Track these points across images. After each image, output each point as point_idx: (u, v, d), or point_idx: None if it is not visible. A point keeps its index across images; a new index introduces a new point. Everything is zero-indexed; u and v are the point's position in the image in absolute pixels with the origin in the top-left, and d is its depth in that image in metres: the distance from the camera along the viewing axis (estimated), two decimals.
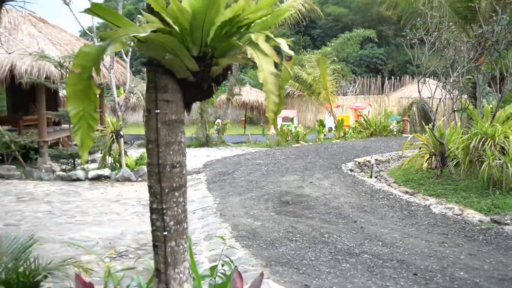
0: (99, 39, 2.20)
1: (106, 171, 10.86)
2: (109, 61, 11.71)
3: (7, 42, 11.66)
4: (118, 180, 10.75)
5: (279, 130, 18.63)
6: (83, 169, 11.03)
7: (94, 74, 2.32)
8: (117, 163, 11.35)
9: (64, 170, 11.26)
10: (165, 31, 2.29)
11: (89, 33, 12.02)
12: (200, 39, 2.41)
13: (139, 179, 10.86)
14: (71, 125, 2.33)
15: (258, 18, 2.45)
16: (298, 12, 19.60)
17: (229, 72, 2.61)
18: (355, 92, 34.13)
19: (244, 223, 6.78)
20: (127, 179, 10.73)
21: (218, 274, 3.41)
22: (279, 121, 28.36)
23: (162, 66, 2.51)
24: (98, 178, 10.77)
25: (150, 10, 2.46)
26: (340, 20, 47.49)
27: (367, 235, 6.24)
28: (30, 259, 3.25)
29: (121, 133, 11.28)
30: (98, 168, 11.22)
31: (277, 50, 2.39)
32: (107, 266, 3.41)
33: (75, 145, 12.92)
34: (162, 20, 2.36)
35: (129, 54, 12.26)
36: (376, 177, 11.46)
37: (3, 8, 10.61)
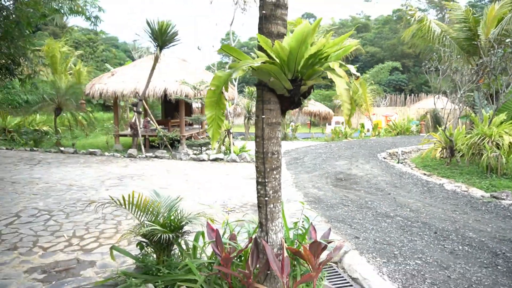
0: (228, 68, 2.16)
1: (220, 155, 11.05)
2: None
3: (163, 74, 12.14)
4: (228, 161, 10.91)
5: (333, 130, 18.14)
6: (207, 154, 11.30)
7: (223, 90, 2.30)
8: (227, 150, 11.51)
9: (195, 154, 11.61)
10: (270, 63, 2.22)
11: (212, 67, 12.27)
12: (293, 67, 2.31)
13: (241, 161, 10.95)
14: (206, 125, 2.35)
15: (333, 52, 2.31)
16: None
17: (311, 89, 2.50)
18: (386, 105, 32.58)
19: (311, 192, 6.62)
20: (234, 161, 10.86)
21: (299, 227, 3.28)
22: (333, 124, 27.66)
23: (267, 86, 2.45)
24: (215, 159, 10.99)
25: (259, 48, 2.39)
26: (375, 56, 45.65)
27: (398, 204, 5.87)
28: (177, 210, 3.31)
29: (230, 131, 11.44)
30: (215, 153, 11.44)
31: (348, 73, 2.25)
32: (226, 219, 3.40)
33: (208, 137, 13.37)
34: (268, 55, 2.29)
35: (237, 79, 12.36)
36: (401, 163, 10.82)
37: (162, 52, 11.23)
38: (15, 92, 21.23)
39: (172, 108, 16.43)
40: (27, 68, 11.13)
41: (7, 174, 8.58)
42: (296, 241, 3.11)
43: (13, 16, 10.01)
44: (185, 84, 11.75)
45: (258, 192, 2.59)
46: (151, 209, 3.14)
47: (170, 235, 2.86)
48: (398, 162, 10.86)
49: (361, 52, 22.95)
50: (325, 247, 2.73)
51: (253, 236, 2.75)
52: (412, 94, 34.88)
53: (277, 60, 2.27)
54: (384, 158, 11.25)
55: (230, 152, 11.27)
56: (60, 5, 11.21)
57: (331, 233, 4.32)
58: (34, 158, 11.00)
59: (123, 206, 3.09)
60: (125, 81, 13.18)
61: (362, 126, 19.34)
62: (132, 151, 11.39)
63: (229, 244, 2.75)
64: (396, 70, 41.04)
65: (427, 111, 25.97)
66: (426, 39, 12.91)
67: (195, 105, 21.99)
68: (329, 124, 28.13)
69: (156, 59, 10.81)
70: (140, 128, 11.95)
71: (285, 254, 2.50)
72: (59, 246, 4.43)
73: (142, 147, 11.60)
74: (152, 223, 2.99)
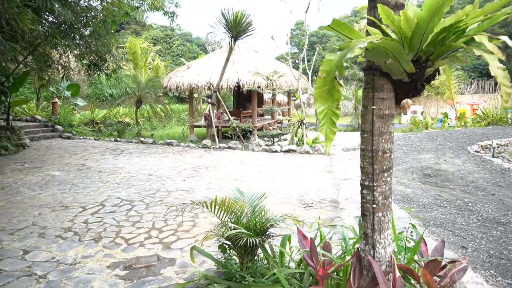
0: (337, 50, 1.64)
1: (293, 147, 10.65)
2: (298, 75, 11.45)
3: (236, 65, 12.01)
4: (301, 153, 10.47)
5: (410, 120, 16.66)
6: (279, 145, 10.98)
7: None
8: (300, 142, 11.06)
9: (267, 145, 11.35)
10: (387, 40, 1.73)
11: (285, 56, 11.84)
12: (417, 45, 1.79)
13: (315, 153, 10.44)
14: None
15: (474, 23, 1.74)
16: None
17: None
18: (471, 92, 29.37)
19: (397, 189, 5.93)
20: (307, 152, 10.39)
21: (407, 237, 2.74)
22: (409, 114, 25.64)
23: (379, 69, 1.95)
24: (288, 151, 10.61)
25: (370, 24, 1.91)
26: None
27: (508, 207, 4.95)
28: (262, 211, 2.97)
29: (304, 121, 10.96)
30: (288, 145, 11.06)
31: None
32: (317, 222, 2.98)
33: (280, 128, 13.03)
34: (382, 32, 1.80)
35: (311, 68, 11.79)
36: (497, 157, 9.45)
37: (236, 44, 11.09)
38: (102, 86, 22.94)
39: (243, 99, 16.39)
40: (112, 64, 11.72)
41: (95, 163, 9.09)
42: (402, 254, 2.59)
43: (100, 15, 10.54)
44: (258, 74, 11.50)
45: (363, 198, 2.13)
46: (235, 210, 2.84)
47: (257, 240, 2.53)
48: (493, 156, 9.50)
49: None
50: (443, 267, 2.19)
51: (357, 246, 2.30)
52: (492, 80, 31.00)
53: (395, 37, 1.78)
54: (477, 151, 9.93)
55: (303, 143, 10.81)
56: (141, 2, 11.60)
57: (429, 240, 3.70)
58: (118, 148, 11.61)
59: (208, 209, 2.82)
60: (200, 73, 13.33)
61: (446, 115, 17.50)
62: (206, 141, 11.48)
63: (324, 255, 2.34)
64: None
65: None
66: None
67: (267, 96, 21.86)
68: (405, 114, 26.14)
69: (231, 51, 10.69)
70: (214, 119, 12.00)
71: (397, 273, 2.02)
72: (139, 238, 4.40)
73: (216, 138, 11.64)
74: (236, 225, 2.69)
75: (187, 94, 25.81)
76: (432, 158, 8.68)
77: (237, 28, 9.94)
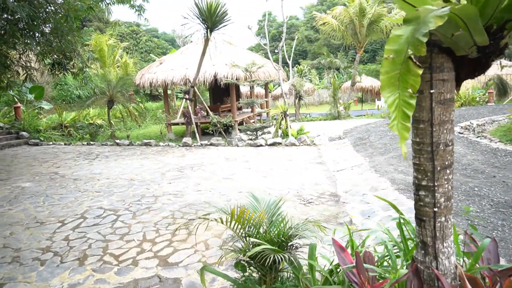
0: (402, 23, 1.23)
1: (278, 139, 10.32)
2: (278, 65, 11.07)
3: (212, 57, 11.48)
4: (287, 145, 10.15)
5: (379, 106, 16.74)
6: (263, 139, 10.61)
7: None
8: (285, 134, 10.74)
9: (251, 139, 10.96)
10: (467, 5, 1.37)
11: (263, 46, 11.40)
12: (493, 10, 1.44)
13: (301, 144, 10.15)
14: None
15: None
16: None
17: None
18: None
19: (398, 178, 5.70)
20: (293, 144, 10.08)
21: (465, 241, 2.42)
22: (383, 99, 25.94)
23: (437, 45, 1.59)
24: (273, 144, 10.27)
25: None
26: None
27: None
28: (282, 217, 2.59)
29: (287, 112, 10.63)
30: (272, 138, 10.72)
31: None
32: (352, 229, 2.62)
33: (261, 120, 12.62)
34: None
35: (291, 57, 11.43)
36: (479, 137, 9.51)
37: (212, 35, 10.54)
38: (68, 88, 21.72)
39: (220, 93, 15.87)
40: (77, 63, 10.93)
41: (68, 170, 8.40)
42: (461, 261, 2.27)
43: (62, 10, 9.73)
44: (236, 67, 11.03)
45: (419, 200, 1.78)
46: (253, 222, 2.44)
47: (286, 256, 2.15)
48: (477, 137, 9.55)
49: None
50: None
51: (414, 254, 1.96)
52: None
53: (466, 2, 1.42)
54: (460, 133, 9.93)
55: (288, 135, 10.49)
56: None
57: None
58: (92, 152, 10.88)
59: (224, 224, 2.41)
60: (174, 68, 12.71)
61: None
62: (187, 139, 10.95)
63: (368, 270, 1.98)
64: None
65: (490, 78, 23.53)
66: None
67: (244, 88, 21.36)
68: (378, 99, 26.43)
69: (207, 42, 10.14)
70: (193, 116, 11.45)
71: (469, 287, 1.70)
72: (131, 253, 3.94)
73: (197, 135, 11.13)
74: (256, 239, 2.29)
75: (159, 91, 24.94)
76: None
77: (212, 18, 9.41)
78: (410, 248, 2.18)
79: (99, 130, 13.89)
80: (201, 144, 10.84)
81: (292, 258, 2.27)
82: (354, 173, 6.42)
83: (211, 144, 10.85)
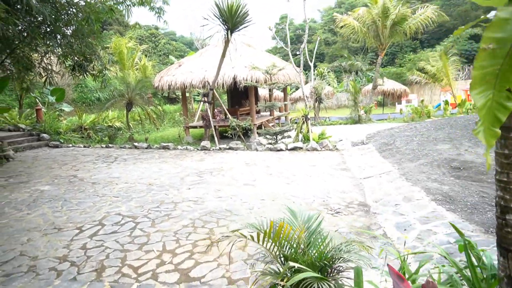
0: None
1: (299, 144, 9.99)
2: (299, 68, 10.76)
3: (232, 60, 11.26)
4: (308, 150, 9.81)
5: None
6: (283, 143, 10.30)
7: None
8: (306, 138, 10.40)
9: (270, 144, 10.67)
10: None
11: (285, 47, 11.10)
12: None
13: (323, 149, 9.80)
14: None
15: None
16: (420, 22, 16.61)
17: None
18: (463, 78, 29.14)
19: (433, 187, 5.30)
20: (315, 149, 9.74)
21: None
22: (403, 103, 25.23)
23: None
24: (294, 148, 9.95)
25: None
26: (443, 26, 41.07)
27: None
28: (323, 236, 2.29)
29: (308, 116, 10.30)
30: (293, 142, 10.40)
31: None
32: (406, 252, 2.29)
33: (280, 123, 12.30)
34: None
35: (313, 59, 11.10)
36: None
37: (232, 36, 10.31)
38: (88, 90, 21.92)
39: (238, 96, 15.65)
40: (98, 65, 10.89)
41: (87, 173, 8.28)
42: None
43: (83, 12, 9.71)
44: (256, 69, 10.78)
45: (506, 226, 1.46)
46: (291, 241, 2.15)
47: (331, 286, 1.84)
48: None
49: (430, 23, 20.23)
50: None
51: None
52: None
53: None
54: None
55: (309, 140, 10.15)
56: None
57: None
58: (111, 155, 10.79)
59: (258, 242, 2.12)
60: (193, 71, 12.56)
61: (446, 103, 17.03)
62: (206, 143, 10.74)
63: None
64: (472, 39, 36.68)
65: None
66: None
67: (262, 91, 21.07)
68: (399, 103, 25.74)
69: (227, 44, 9.92)
70: (212, 119, 11.24)
71: None
72: (150, 265, 3.70)
73: (216, 138, 10.90)
74: (294, 261, 1.99)
75: (177, 93, 24.94)
76: (451, 148, 8.11)
77: (233, 19, 9.18)
78: (479, 278, 1.84)
79: (118, 132, 13.86)
80: (220, 148, 10.61)
81: (337, 287, 1.97)
82: (383, 181, 6.05)
83: (230, 148, 10.60)
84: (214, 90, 10.99)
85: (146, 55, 25.15)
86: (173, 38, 49.53)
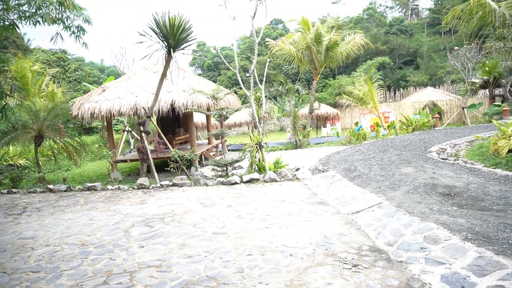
0: None
1: (255, 175, 8.84)
2: (250, 91, 9.70)
3: (170, 84, 9.78)
4: (266, 181, 8.71)
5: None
6: (237, 175, 9.04)
7: None
8: (262, 168, 9.30)
9: (220, 176, 9.32)
10: None
11: (237, 69, 9.97)
12: None
13: (282, 179, 8.79)
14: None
15: None
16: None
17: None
18: (378, 101, 31.41)
19: (448, 221, 4.53)
20: (274, 180, 8.68)
21: None
22: (328, 126, 25.93)
23: None
24: (250, 181, 8.76)
25: None
26: (349, 55, 44.70)
27: None
28: None
29: (262, 144, 9.25)
30: (246, 173, 9.21)
31: None
32: None
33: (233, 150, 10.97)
34: None
35: (264, 82, 10.19)
36: (463, 162, 9.07)
37: (174, 56, 8.89)
38: None
39: (171, 124, 14.04)
40: None
41: None
42: None
43: None
44: (201, 93, 9.47)
45: None
46: None
47: None
48: (455, 161, 9.11)
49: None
50: None
51: None
52: (401, 89, 33.87)
53: None
54: (444, 159, 9.41)
55: (265, 170, 9.06)
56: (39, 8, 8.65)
57: None
58: (17, 203, 8.35)
59: None
60: (121, 96, 10.72)
61: (377, 125, 17.57)
62: (143, 180, 8.95)
63: None
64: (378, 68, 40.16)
65: (425, 104, 24.81)
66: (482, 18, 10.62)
67: (198, 118, 19.44)
68: (324, 126, 26.39)
69: (168, 64, 8.46)
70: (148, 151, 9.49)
71: None
72: None
73: (156, 174, 9.16)
74: None
75: (95, 123, 22.04)
76: (417, 171, 7.73)
77: (175, 36, 7.83)
78: None
79: (23, 172, 11.12)
80: (162, 185, 8.92)
81: None
82: (381, 217, 5.17)
83: (174, 185, 8.97)
84: (151, 117, 9.33)
85: (54, 81, 21.91)
86: (82, 64, 45.41)
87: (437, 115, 19.07)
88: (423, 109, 23.32)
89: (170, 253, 4.63)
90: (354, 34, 16.32)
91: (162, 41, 8.09)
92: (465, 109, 20.74)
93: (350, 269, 3.85)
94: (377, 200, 5.86)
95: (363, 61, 35.75)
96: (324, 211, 6.09)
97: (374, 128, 18.70)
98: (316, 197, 7.11)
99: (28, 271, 4.35)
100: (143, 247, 4.95)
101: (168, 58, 8.29)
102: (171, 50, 8.03)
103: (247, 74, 9.76)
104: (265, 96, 11.52)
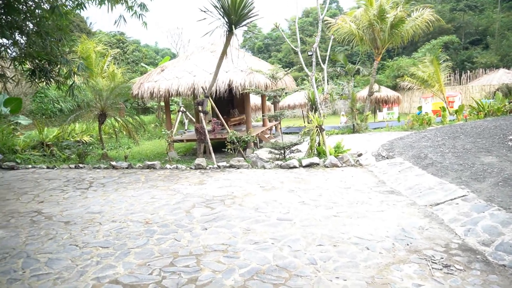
0: None
1: (315, 159, 8.44)
2: (312, 72, 9.20)
3: (227, 63, 9.56)
4: (327, 166, 8.27)
5: (383, 118, 15.11)
6: (294, 159, 8.70)
7: None
8: (322, 153, 8.85)
9: (278, 159, 9.03)
10: None
11: (294, 48, 9.49)
12: None
13: (343, 165, 8.31)
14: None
15: None
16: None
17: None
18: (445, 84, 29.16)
19: None
20: (335, 165, 8.22)
21: None
22: (385, 111, 24.54)
23: None
24: (310, 165, 8.38)
25: None
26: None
27: None
28: None
29: (323, 127, 8.77)
30: (305, 157, 8.83)
31: None
32: None
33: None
34: None
35: (326, 63, 9.63)
36: None
37: (234, 32, 8.62)
38: (49, 100, 19.26)
39: (224, 105, 13.91)
40: (63, 70, 8.84)
41: (56, 207, 6.23)
42: None
43: (48, 1, 7.75)
44: (260, 73, 9.14)
45: None
46: None
47: None
48: None
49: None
50: None
51: None
52: (468, 71, 31.01)
53: None
54: None
55: (325, 154, 8.61)
56: None
57: None
58: (83, 178, 8.69)
59: None
60: (179, 76, 10.72)
61: (444, 109, 16.17)
62: (201, 161, 8.91)
63: None
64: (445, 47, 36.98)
65: (498, 87, 22.54)
66: None
67: (251, 100, 19.23)
68: (380, 111, 25.02)
69: (228, 41, 8.21)
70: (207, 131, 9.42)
71: None
72: None
73: (213, 155, 9.08)
74: None
75: (152, 103, 22.73)
76: (502, 162, 6.85)
77: (237, 11, 7.52)
78: None
79: (88, 149, 11.64)
80: (219, 166, 8.82)
81: None
82: (470, 211, 4.56)
83: (231, 166, 8.84)
84: (210, 97, 9.20)
85: (114, 62, 22.80)
86: (139, 46, 46.99)
87: None
88: (495, 93, 21.24)
89: (235, 238, 4.43)
90: (422, 9, 14.94)
91: (223, 17, 7.80)
92: None
93: (441, 269, 3.38)
94: (460, 192, 5.21)
95: (424, 42, 33.18)
96: (397, 201, 5.56)
97: (439, 113, 17.32)
98: (384, 185, 6.57)
99: (97, 246, 4.38)
100: (206, 229, 4.80)
101: (229, 35, 8.01)
102: (233, 26, 7.73)
103: (309, 53, 9.23)
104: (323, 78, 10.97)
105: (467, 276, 3.24)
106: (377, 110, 25.50)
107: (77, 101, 11.20)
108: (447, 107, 17.11)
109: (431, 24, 14.67)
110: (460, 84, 28.74)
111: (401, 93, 25.77)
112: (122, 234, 4.78)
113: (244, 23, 7.89)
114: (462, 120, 15.31)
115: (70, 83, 8.86)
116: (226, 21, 7.83)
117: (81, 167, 10.01)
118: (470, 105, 16.92)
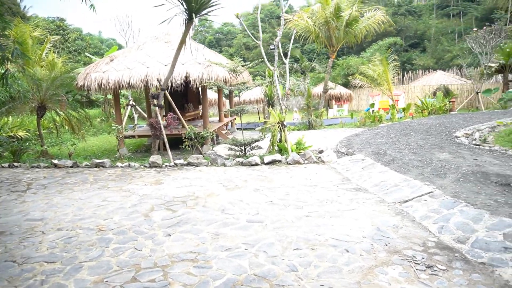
0: None
1: (277, 156, 8.21)
2: (274, 66, 8.92)
3: (186, 56, 8.97)
4: (289, 163, 8.09)
5: (334, 115, 15.52)
6: (256, 155, 8.40)
7: None
8: (283, 150, 8.65)
9: (238, 156, 8.68)
10: None
11: (256, 40, 9.12)
12: None
13: (306, 161, 8.17)
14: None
15: None
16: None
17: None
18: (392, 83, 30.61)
19: None
20: (297, 162, 8.06)
21: None
22: (335, 107, 25.21)
23: None
24: (272, 162, 8.14)
25: None
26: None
27: None
28: None
29: (284, 123, 8.56)
30: (267, 154, 8.58)
31: None
32: None
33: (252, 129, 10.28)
34: None
35: (288, 57, 9.41)
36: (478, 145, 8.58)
37: (193, 22, 8.04)
38: None
39: (178, 99, 13.23)
40: None
41: None
42: None
43: None
44: (220, 65, 8.69)
45: None
46: None
47: None
48: (491, 147, 8.52)
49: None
50: None
51: None
52: (410, 72, 32.91)
53: None
54: (477, 145, 8.81)
55: (287, 151, 8.42)
56: None
57: None
58: (20, 179, 7.69)
59: None
60: (131, 67, 9.92)
61: (393, 107, 16.83)
62: (156, 158, 8.29)
63: None
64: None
65: (437, 87, 24.07)
66: None
67: (208, 93, 18.52)
68: (331, 108, 25.65)
69: (187, 30, 7.65)
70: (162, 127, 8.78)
71: None
72: None
73: (169, 152, 8.49)
74: None
75: (98, 95, 21.18)
76: (456, 157, 7.13)
77: None
78: None
79: (24, 145, 10.41)
80: (176, 164, 8.28)
81: None
82: (439, 208, 4.57)
83: (189, 164, 8.33)
84: (166, 91, 8.57)
85: (53, 51, 20.85)
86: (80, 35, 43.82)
87: (454, 99, 18.34)
88: (434, 93, 22.66)
89: (203, 244, 4.03)
90: (374, 10, 15.39)
91: (182, 3, 7.25)
92: (479, 94, 20.06)
93: (424, 271, 3.27)
94: (426, 189, 5.25)
95: (370, 42, 34.64)
96: (366, 198, 5.49)
97: (384, 110, 18.04)
98: (350, 182, 6.50)
99: (41, 261, 3.74)
100: (170, 235, 4.34)
101: (189, 23, 7.47)
102: (193, 14, 7.21)
103: (272, 47, 8.97)
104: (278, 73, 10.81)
105: (451, 276, 3.15)
106: (328, 107, 26.12)
107: (10, 92, 9.88)
108: (395, 105, 17.87)
109: (382, 25, 15.13)
110: (402, 84, 30.37)
111: (351, 90, 26.65)
112: (71, 244, 4.15)
113: (205, 11, 7.41)
114: (409, 117, 16.05)
115: (3, 71, 7.76)
116: (185, 8, 7.29)
117: (16, 166, 8.89)
118: (415, 104, 17.80)
